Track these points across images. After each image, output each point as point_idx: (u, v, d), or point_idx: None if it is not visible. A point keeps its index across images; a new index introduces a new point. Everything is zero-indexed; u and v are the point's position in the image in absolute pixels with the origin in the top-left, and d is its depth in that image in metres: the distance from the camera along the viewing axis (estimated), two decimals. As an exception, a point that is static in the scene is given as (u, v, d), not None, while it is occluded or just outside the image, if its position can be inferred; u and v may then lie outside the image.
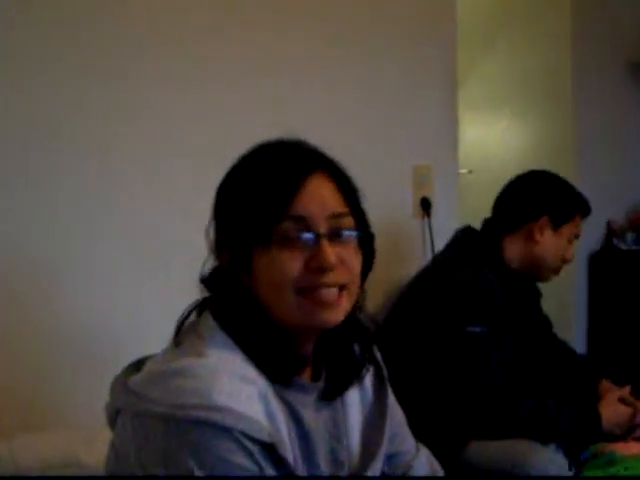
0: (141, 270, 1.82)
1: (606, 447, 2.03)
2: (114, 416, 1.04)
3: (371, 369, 1.20)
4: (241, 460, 0.92)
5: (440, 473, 1.33)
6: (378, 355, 1.24)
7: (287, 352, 1.03)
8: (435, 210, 2.60)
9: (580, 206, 2.12)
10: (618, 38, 3.57)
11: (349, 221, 1.05)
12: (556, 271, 2.15)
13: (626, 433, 1.99)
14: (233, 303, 1.04)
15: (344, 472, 1.12)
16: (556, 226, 2.08)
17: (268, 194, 1.01)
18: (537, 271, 2.11)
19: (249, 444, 0.92)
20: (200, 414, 0.90)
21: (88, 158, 1.76)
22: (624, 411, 1.99)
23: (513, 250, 2.08)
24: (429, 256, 2.51)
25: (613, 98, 3.59)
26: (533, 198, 2.11)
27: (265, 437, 0.93)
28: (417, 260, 2.51)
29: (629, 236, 3.42)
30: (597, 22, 3.45)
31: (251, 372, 0.98)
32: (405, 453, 1.28)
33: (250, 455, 0.92)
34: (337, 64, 2.31)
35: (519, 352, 2.09)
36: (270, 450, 0.95)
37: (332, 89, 2.30)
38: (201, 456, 0.90)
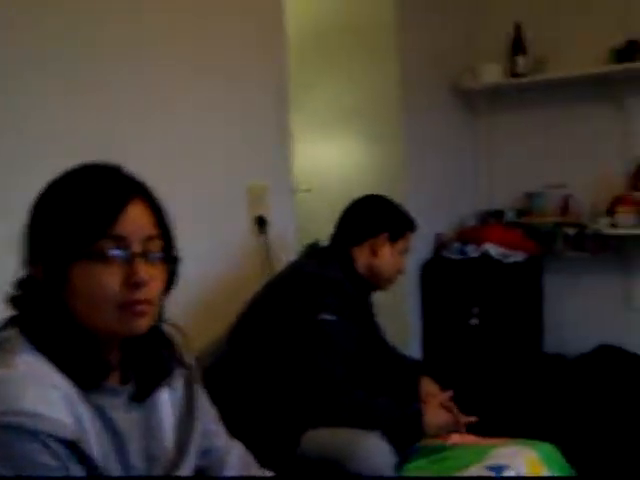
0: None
1: (436, 440, 2.22)
2: None
3: (181, 372, 1.31)
4: (47, 460, 1.01)
5: (254, 467, 1.46)
6: (189, 359, 1.35)
7: (94, 359, 1.13)
8: (271, 228, 2.72)
9: (408, 223, 2.35)
10: (441, 60, 3.83)
11: (159, 244, 1.17)
12: (392, 281, 2.35)
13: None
14: (43, 315, 1.12)
15: (159, 466, 1.22)
16: (393, 241, 2.28)
17: (92, 213, 1.11)
18: (377, 280, 2.30)
19: (54, 444, 1.02)
20: (8, 419, 0.99)
21: None
22: (445, 416, 2.14)
23: (359, 260, 2.27)
24: (267, 273, 2.64)
25: (439, 118, 3.85)
26: (373, 217, 2.32)
27: (68, 435, 1.03)
28: (256, 277, 2.62)
29: (455, 247, 3.68)
30: (422, 49, 3.69)
31: (57, 379, 1.06)
32: (218, 449, 1.40)
33: (55, 455, 1.02)
34: (173, 85, 2.40)
35: (360, 348, 2.24)
36: (75, 449, 1.05)
37: (169, 110, 2.39)
38: (9, 459, 0.99)
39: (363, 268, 2.27)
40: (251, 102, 2.71)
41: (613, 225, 3.45)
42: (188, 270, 1.25)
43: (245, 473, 1.43)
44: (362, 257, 2.26)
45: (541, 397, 3.47)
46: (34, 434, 1.00)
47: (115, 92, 2.23)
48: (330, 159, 3.90)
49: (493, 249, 3.58)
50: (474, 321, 3.54)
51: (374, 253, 2.27)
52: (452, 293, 3.63)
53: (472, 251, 3.61)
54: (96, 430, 1.10)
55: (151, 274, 1.14)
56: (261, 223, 2.69)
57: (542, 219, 3.72)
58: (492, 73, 3.77)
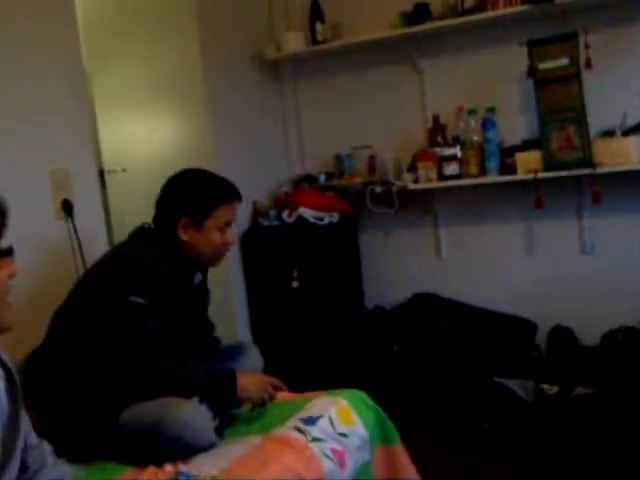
0: None
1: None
2: None
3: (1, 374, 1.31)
4: None
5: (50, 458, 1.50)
6: (4, 357, 1.35)
7: None
8: (78, 211, 2.69)
9: (213, 201, 2.24)
10: (243, 33, 3.88)
11: None
12: (218, 256, 2.32)
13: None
14: None
15: None
16: (196, 224, 2.22)
17: None
18: (200, 258, 2.28)
19: None
20: None
21: None
22: (260, 378, 2.22)
23: (180, 240, 2.23)
24: (78, 256, 2.62)
25: (245, 89, 3.90)
26: (173, 201, 2.27)
27: None
28: (66, 260, 2.60)
29: (271, 214, 3.78)
30: (223, 20, 3.72)
31: None
32: (34, 445, 1.44)
33: None
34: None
35: (185, 332, 2.25)
36: None
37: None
38: None
39: (183, 248, 2.24)
40: (44, 88, 2.65)
41: (416, 180, 3.65)
42: None
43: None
44: (180, 237, 2.22)
45: (365, 348, 3.67)
46: None
47: None
48: (141, 137, 3.85)
49: (308, 213, 3.70)
50: (295, 284, 3.66)
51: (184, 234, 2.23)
52: (272, 259, 3.72)
53: (288, 217, 3.72)
54: None
55: None
56: (67, 207, 2.65)
57: (352, 180, 3.87)
58: (294, 41, 3.86)
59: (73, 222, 2.66)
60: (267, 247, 3.74)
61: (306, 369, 3.47)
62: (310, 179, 3.99)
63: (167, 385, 2.03)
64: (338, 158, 3.94)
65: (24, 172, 2.52)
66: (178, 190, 2.28)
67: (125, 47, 3.73)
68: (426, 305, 3.82)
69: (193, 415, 1.97)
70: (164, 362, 2.07)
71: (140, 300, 2.05)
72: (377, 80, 3.89)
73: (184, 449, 1.92)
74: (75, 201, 2.70)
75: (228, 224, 2.27)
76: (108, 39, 3.73)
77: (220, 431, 2.10)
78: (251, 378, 2.19)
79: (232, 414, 2.24)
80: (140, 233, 2.27)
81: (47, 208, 2.62)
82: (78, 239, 2.64)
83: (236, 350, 2.47)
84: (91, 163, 2.85)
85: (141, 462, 1.93)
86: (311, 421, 2.07)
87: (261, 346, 2.57)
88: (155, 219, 2.29)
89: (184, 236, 2.21)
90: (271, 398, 2.20)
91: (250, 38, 3.93)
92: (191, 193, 2.26)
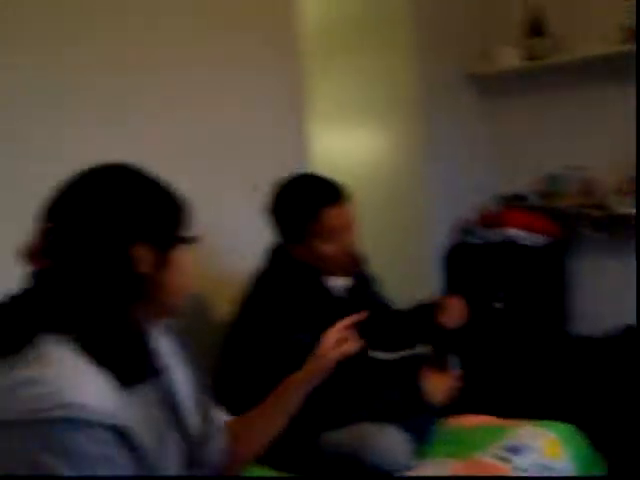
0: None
1: (451, 421, 2.25)
2: None
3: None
4: (98, 449, 1.04)
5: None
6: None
7: (140, 359, 1.24)
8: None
9: (317, 203, 2.09)
10: (458, 50, 3.84)
11: None
12: (345, 265, 2.17)
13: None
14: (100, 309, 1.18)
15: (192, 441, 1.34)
16: (299, 241, 2.14)
17: None
18: (326, 267, 2.17)
19: (103, 433, 1.05)
20: (58, 414, 1.02)
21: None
22: (441, 380, 2.13)
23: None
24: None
25: (457, 104, 3.86)
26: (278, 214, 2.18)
27: (117, 422, 1.07)
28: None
29: (477, 231, 3.69)
30: (436, 32, 3.70)
31: (97, 370, 1.11)
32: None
33: (106, 443, 1.06)
34: (188, 87, 2.47)
35: None
36: (124, 436, 1.09)
37: (184, 116, 2.45)
38: (62, 452, 1.02)
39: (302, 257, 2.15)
40: (268, 95, 2.77)
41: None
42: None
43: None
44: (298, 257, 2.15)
45: (566, 379, 3.48)
46: (84, 424, 1.03)
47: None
48: (348, 149, 3.92)
49: (516, 233, 3.58)
50: (498, 305, 3.56)
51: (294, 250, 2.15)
52: (476, 277, 3.64)
53: (495, 235, 3.62)
54: (138, 418, 1.15)
55: None
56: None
57: (564, 201, 3.70)
58: (508, 57, 3.76)
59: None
60: (471, 265, 3.66)
61: (501, 392, 3.35)
62: (519, 198, 3.86)
63: (360, 413, 2.02)
64: (550, 177, 3.78)
65: (241, 184, 2.63)
66: (275, 211, 2.18)
67: (343, 62, 3.80)
68: (636, 339, 3.56)
69: (391, 442, 1.95)
70: (350, 391, 2.05)
71: (306, 337, 1.94)
72: (593, 97, 3.68)
73: (382, 474, 1.91)
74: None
75: (334, 231, 2.10)
76: (327, 53, 3.82)
77: (418, 452, 2.06)
78: (433, 381, 2.11)
79: (429, 433, 2.19)
80: (276, 256, 2.21)
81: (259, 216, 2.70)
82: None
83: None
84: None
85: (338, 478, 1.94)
86: (516, 450, 1.98)
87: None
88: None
89: (296, 254, 2.14)
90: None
91: (462, 53, 3.88)
92: (284, 212, 2.16)
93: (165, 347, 1.38)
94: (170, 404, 1.29)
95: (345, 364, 2.05)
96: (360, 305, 2.24)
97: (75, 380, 1.06)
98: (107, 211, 1.19)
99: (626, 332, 3.61)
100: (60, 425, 1.02)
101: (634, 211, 3.40)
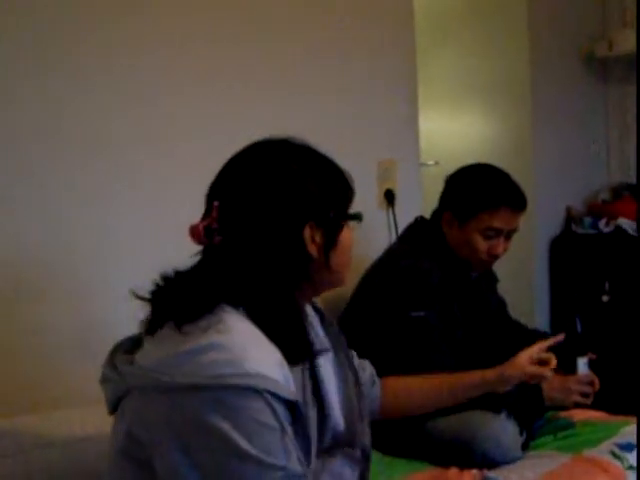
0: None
1: (561, 413, 2.20)
2: (118, 398, 1.16)
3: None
4: (268, 419, 1.04)
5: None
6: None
7: (306, 340, 1.22)
8: (399, 202, 2.76)
9: (491, 201, 2.10)
10: (573, 29, 3.73)
11: None
12: (479, 263, 2.18)
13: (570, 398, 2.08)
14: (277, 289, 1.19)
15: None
16: (460, 220, 2.13)
17: None
18: (465, 258, 2.17)
19: (276, 404, 1.05)
20: (235, 381, 1.03)
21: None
22: (563, 381, 2.06)
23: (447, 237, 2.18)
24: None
25: (569, 88, 3.75)
26: (447, 193, 2.22)
27: (290, 396, 1.08)
28: (382, 249, 2.67)
29: (586, 221, 3.59)
30: (553, 14, 3.61)
31: (271, 345, 1.11)
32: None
33: (276, 414, 1.05)
34: (310, 68, 2.51)
35: (469, 333, 2.19)
36: (292, 409, 1.09)
37: (303, 91, 2.49)
38: (235, 417, 1.03)
39: (452, 240, 2.17)
40: (380, 79, 2.76)
41: None
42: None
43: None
44: (444, 230, 2.17)
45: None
46: (259, 393, 1.04)
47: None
48: (457, 131, 3.88)
49: (627, 224, 3.47)
50: (605, 297, 3.46)
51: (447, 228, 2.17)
52: (583, 269, 3.55)
53: (605, 226, 3.52)
54: (302, 395, 1.17)
55: None
56: (389, 197, 2.73)
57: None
58: (629, 39, 3.61)
59: (394, 212, 2.73)
60: (579, 255, 3.56)
61: (608, 386, 3.26)
62: (630, 188, 3.73)
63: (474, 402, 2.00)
64: (665, 168, 3.64)
65: (356, 160, 2.61)
66: (456, 182, 2.20)
67: (455, 41, 3.76)
68: None
69: (501, 432, 1.94)
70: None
71: (421, 313, 2.03)
72: None
73: (490, 463, 1.90)
74: (397, 191, 2.77)
75: (495, 231, 2.10)
76: (440, 32, 3.77)
77: (525, 445, 2.03)
78: (555, 382, 2.05)
79: (537, 426, 2.16)
80: (412, 232, 2.24)
81: (372, 196, 2.71)
82: (397, 230, 2.70)
83: None
84: (415, 156, 2.91)
85: (445, 463, 1.92)
86: (630, 447, 1.92)
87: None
88: (436, 211, 2.25)
89: (446, 230, 2.15)
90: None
91: (580, 35, 3.77)
92: (464, 187, 2.17)
93: (317, 327, 1.38)
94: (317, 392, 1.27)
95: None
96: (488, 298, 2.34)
97: (254, 350, 1.07)
98: (278, 191, 1.18)
99: None
100: (236, 393, 1.03)
101: None
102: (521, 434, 1.99)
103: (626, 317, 3.43)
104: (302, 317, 1.23)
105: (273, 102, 2.38)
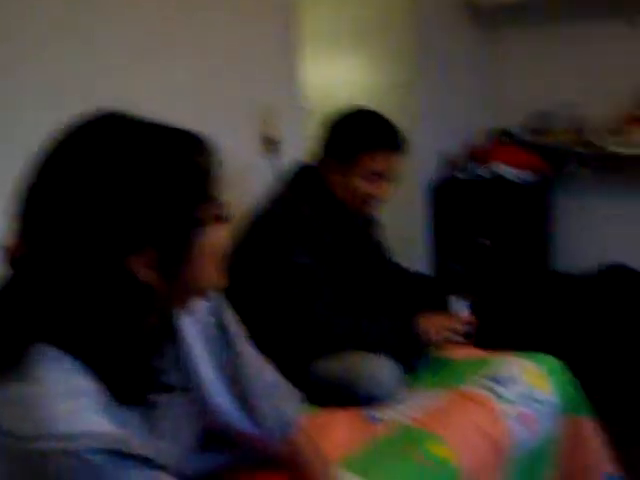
0: None
1: (441, 352, 2.26)
2: None
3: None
4: (85, 477, 0.89)
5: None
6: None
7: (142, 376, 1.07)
8: (281, 147, 2.73)
9: (370, 144, 2.09)
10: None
11: None
12: (362, 206, 2.18)
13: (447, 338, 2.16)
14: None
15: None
16: (342, 163, 2.12)
17: None
18: (347, 203, 2.17)
19: (95, 457, 0.89)
20: (39, 445, 0.88)
21: None
22: (439, 320, 2.14)
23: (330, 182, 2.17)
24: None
25: (450, 36, 3.78)
26: (327, 137, 2.17)
27: (110, 445, 0.90)
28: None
29: (467, 167, 3.68)
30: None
31: (87, 385, 0.95)
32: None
33: (94, 469, 0.89)
34: (174, 9, 2.41)
35: (352, 279, 2.23)
36: (120, 453, 0.92)
37: (170, 34, 2.40)
38: None
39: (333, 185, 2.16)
40: (254, 23, 2.69)
41: (628, 145, 3.40)
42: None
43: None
44: (326, 176, 2.16)
45: (550, 314, 3.53)
46: (71, 454, 0.88)
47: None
48: (339, 78, 3.85)
49: (505, 169, 3.57)
50: (484, 241, 3.57)
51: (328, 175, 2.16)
52: (463, 213, 3.64)
53: (483, 171, 3.61)
54: (136, 423, 1.05)
55: None
56: (271, 143, 2.70)
57: (554, 138, 3.68)
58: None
59: (277, 158, 2.70)
60: (459, 200, 3.66)
61: (487, 325, 3.39)
62: (508, 134, 3.83)
63: (350, 343, 2.03)
64: (541, 114, 3.75)
65: (235, 106, 2.58)
66: (334, 127, 2.17)
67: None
68: (619, 277, 3.61)
69: (382, 373, 1.97)
70: (340, 321, 2.05)
71: (305, 260, 2.03)
72: (591, 35, 3.61)
73: (373, 402, 1.94)
74: (278, 137, 2.74)
75: (377, 175, 2.12)
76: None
77: (409, 380, 2.09)
78: (430, 321, 2.13)
79: (419, 365, 2.22)
80: (293, 179, 2.22)
81: (253, 144, 2.68)
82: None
83: None
84: (297, 101, 2.87)
85: (329, 404, 1.95)
86: (501, 381, 2.00)
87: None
88: (316, 156, 2.22)
89: (328, 175, 2.14)
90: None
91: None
92: (342, 132, 2.14)
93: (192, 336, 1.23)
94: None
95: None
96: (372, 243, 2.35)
97: (62, 401, 0.91)
98: (84, 224, 0.94)
99: (608, 269, 3.66)
100: (42, 457, 0.88)
101: (624, 150, 3.39)
102: (403, 372, 2.04)
103: (503, 259, 3.56)
104: (143, 353, 1.06)
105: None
